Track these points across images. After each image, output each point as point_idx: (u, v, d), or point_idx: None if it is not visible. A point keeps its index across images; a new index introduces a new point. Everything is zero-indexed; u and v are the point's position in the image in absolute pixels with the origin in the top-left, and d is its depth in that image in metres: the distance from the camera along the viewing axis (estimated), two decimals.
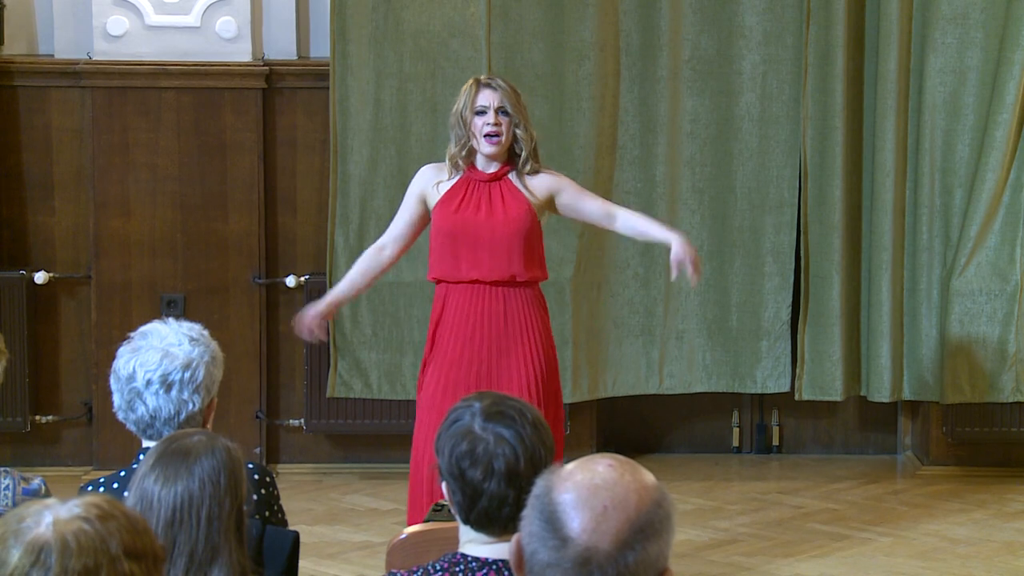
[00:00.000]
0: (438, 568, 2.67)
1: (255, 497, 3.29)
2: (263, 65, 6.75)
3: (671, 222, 6.79)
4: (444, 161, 5.15)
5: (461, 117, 5.01)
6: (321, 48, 6.82)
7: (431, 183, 5.09)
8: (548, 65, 6.71)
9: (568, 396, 6.73)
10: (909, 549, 6.03)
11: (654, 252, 6.80)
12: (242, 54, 6.74)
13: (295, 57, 6.85)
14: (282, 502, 3.45)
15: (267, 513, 3.34)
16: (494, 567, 2.65)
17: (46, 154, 6.79)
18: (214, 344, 3.41)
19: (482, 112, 4.99)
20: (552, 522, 2.00)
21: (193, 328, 3.40)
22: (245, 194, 6.78)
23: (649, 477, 2.06)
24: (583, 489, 2.01)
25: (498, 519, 2.64)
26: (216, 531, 2.73)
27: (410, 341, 6.78)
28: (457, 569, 2.66)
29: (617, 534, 1.99)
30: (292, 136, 6.83)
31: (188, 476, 2.73)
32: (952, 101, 6.71)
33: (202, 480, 2.73)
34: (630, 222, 5.15)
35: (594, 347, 6.81)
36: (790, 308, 6.84)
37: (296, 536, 3.23)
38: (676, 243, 5.02)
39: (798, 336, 6.80)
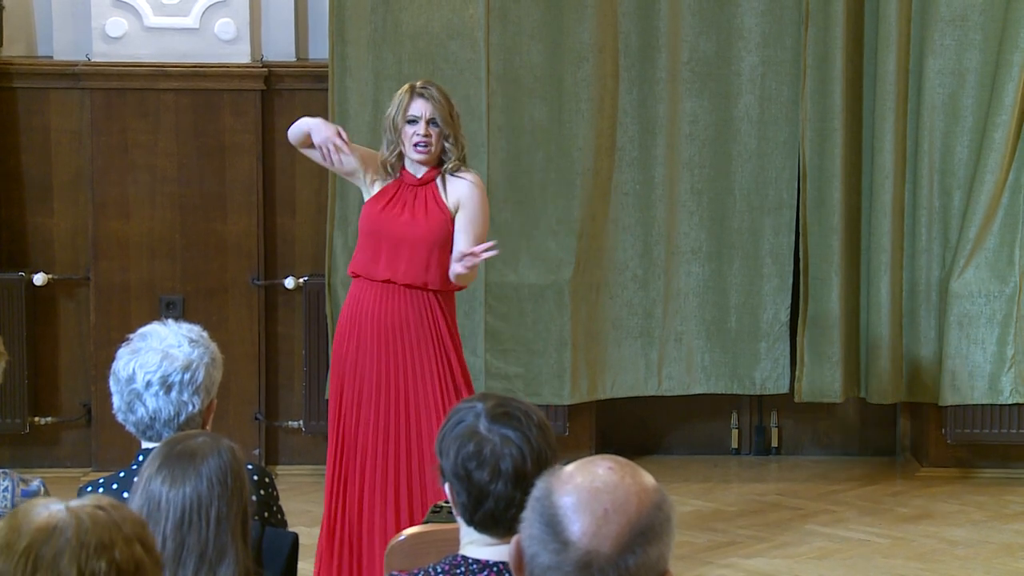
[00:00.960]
0: (439, 570, 2.67)
1: (254, 498, 3.29)
2: (262, 67, 6.75)
3: (669, 223, 6.82)
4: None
5: (393, 123, 5.06)
6: (320, 50, 6.82)
7: (373, 170, 5.12)
8: (547, 67, 6.71)
9: (567, 398, 6.73)
10: (908, 551, 6.03)
11: (653, 254, 6.80)
12: (241, 56, 6.74)
13: (294, 59, 6.85)
14: (281, 503, 3.45)
15: (266, 514, 3.34)
16: (495, 569, 2.65)
17: (45, 155, 6.79)
18: (213, 345, 3.41)
19: (413, 121, 5.04)
20: (553, 525, 2.00)
21: (192, 329, 3.40)
22: (244, 195, 6.78)
23: (649, 479, 2.06)
24: (584, 492, 2.01)
25: (503, 520, 2.63)
26: (224, 531, 2.73)
27: None
28: (458, 571, 2.66)
29: (618, 537, 1.99)
30: None
31: (196, 477, 2.73)
32: (951, 103, 6.72)
33: (210, 480, 2.73)
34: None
35: (593, 349, 6.81)
36: (789, 310, 6.84)
37: (295, 537, 3.23)
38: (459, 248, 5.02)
39: (797, 338, 6.80)
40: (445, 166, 5.08)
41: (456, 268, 4.98)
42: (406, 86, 5.15)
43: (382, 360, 5.04)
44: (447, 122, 5.05)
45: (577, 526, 1.99)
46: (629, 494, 2.02)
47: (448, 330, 5.08)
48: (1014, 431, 6.81)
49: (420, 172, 5.09)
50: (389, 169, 5.09)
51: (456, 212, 5.07)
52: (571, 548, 1.99)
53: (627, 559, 1.98)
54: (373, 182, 5.13)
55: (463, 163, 5.12)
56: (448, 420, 2.70)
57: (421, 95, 5.05)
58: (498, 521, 2.64)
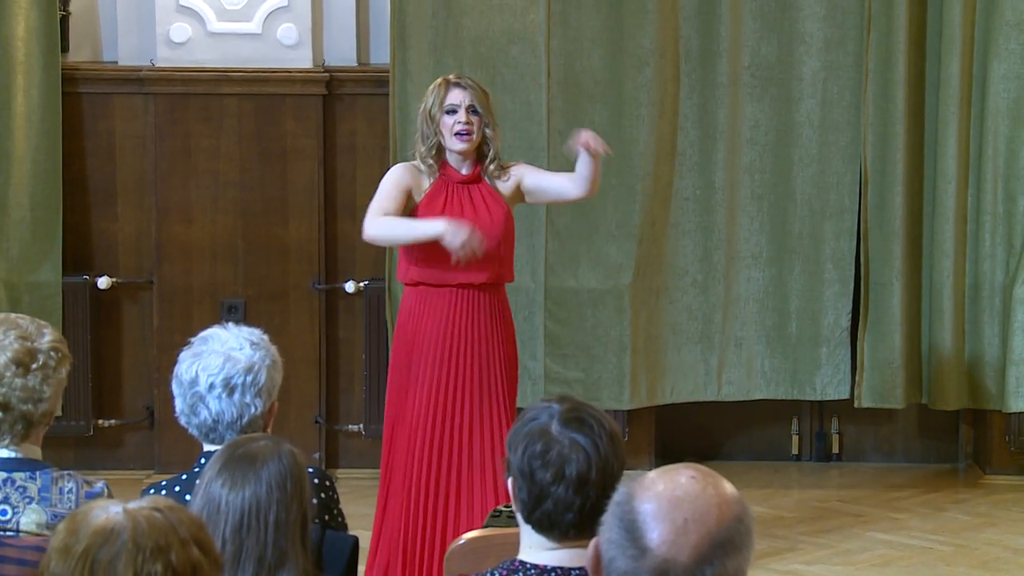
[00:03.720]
0: (496, 575, 2.67)
1: (314, 501, 3.31)
2: (323, 72, 6.79)
3: (730, 228, 6.79)
4: (412, 161, 5.11)
5: (429, 115, 5.00)
6: (381, 55, 6.84)
7: (410, 182, 5.03)
8: (607, 71, 6.71)
9: (627, 403, 6.72)
10: (970, 559, 5.98)
11: (713, 258, 6.78)
12: (303, 61, 6.77)
13: (355, 64, 6.88)
14: (341, 506, 3.47)
15: (327, 517, 3.36)
16: (553, 575, 2.65)
17: (109, 160, 6.85)
18: (274, 348, 3.43)
19: (452, 111, 4.99)
20: (632, 531, 2.01)
21: (253, 333, 3.42)
22: (305, 200, 6.81)
23: (731, 490, 2.06)
24: (664, 500, 2.01)
25: (559, 524, 2.63)
26: (283, 536, 2.74)
27: None
28: None
29: (696, 548, 1.99)
30: (352, 142, 6.86)
31: (256, 481, 2.74)
32: (1015, 107, 6.66)
33: (269, 485, 2.75)
34: (576, 173, 5.06)
35: (652, 354, 6.79)
36: (850, 315, 6.80)
37: (355, 541, 3.24)
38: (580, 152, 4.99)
39: (858, 343, 6.77)
40: (489, 166, 5.03)
41: (586, 152, 4.88)
42: (439, 80, 5.11)
43: (461, 363, 4.99)
44: (487, 109, 5.02)
45: (656, 534, 2.00)
46: (710, 505, 2.02)
47: (510, 324, 5.09)
48: None
49: (463, 167, 5.04)
50: (426, 166, 5.03)
51: (518, 188, 5.06)
52: (648, 555, 1.99)
53: (704, 570, 1.99)
54: (412, 191, 5.03)
55: (499, 156, 5.05)
56: (522, 417, 2.71)
57: (458, 84, 5.02)
58: (554, 524, 2.64)
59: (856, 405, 6.81)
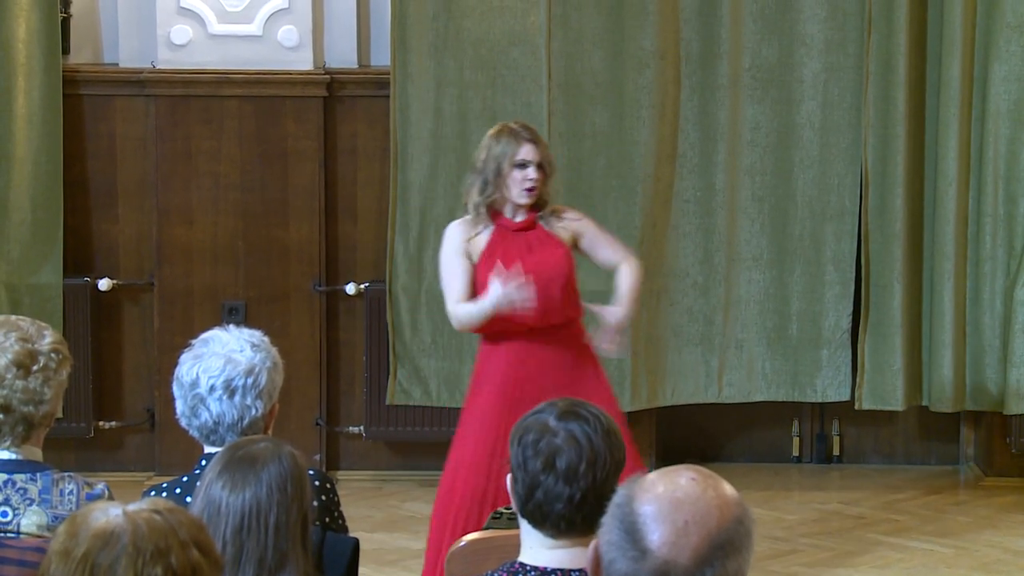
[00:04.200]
0: None
1: (315, 503, 3.31)
2: (324, 74, 6.79)
3: (730, 230, 6.79)
4: (464, 215, 5.09)
5: (498, 168, 4.98)
6: (382, 57, 6.84)
7: (465, 239, 5.03)
8: (608, 73, 6.71)
9: (627, 404, 6.72)
10: (971, 561, 5.98)
11: (713, 260, 6.79)
12: (303, 63, 6.78)
13: (356, 66, 6.88)
14: (342, 508, 3.47)
15: (327, 519, 3.36)
16: (553, 575, 2.65)
17: (110, 162, 6.86)
18: (275, 350, 3.43)
19: (523, 166, 4.99)
20: (632, 533, 2.01)
21: (254, 335, 3.42)
22: (306, 202, 6.81)
23: (732, 492, 2.06)
24: (665, 502, 2.02)
25: (550, 515, 2.65)
26: (284, 538, 2.74)
27: (469, 349, 6.78)
28: None
29: (696, 550, 2.00)
30: (353, 144, 6.86)
31: (256, 483, 2.75)
32: (1016, 109, 6.66)
33: (270, 487, 2.75)
34: (620, 279, 5.14)
35: (653, 356, 6.79)
36: (851, 317, 6.80)
37: (356, 543, 3.24)
38: (612, 316, 5.04)
39: (858, 345, 6.77)
40: (542, 213, 5.05)
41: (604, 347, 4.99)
42: (502, 129, 5.06)
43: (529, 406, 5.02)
44: (550, 164, 5.06)
45: (656, 535, 2.00)
46: (711, 507, 2.03)
47: (592, 359, 5.09)
48: None
49: (520, 216, 5.04)
50: (477, 215, 5.01)
51: (574, 242, 5.09)
52: (649, 557, 2.00)
53: (704, 572, 2.00)
54: (471, 253, 5.03)
55: (548, 201, 5.07)
56: (527, 413, 2.74)
57: (528, 140, 5.01)
58: (546, 516, 2.65)
59: (857, 407, 6.81)
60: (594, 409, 2.71)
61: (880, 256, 6.74)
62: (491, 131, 5.11)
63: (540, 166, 4.99)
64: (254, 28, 6.77)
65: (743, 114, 6.72)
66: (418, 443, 6.92)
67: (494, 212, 5.05)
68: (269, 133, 6.78)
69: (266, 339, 3.44)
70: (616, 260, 5.15)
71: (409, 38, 6.69)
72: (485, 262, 5.00)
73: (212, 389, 3.32)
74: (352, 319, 6.91)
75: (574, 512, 2.63)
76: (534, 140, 5.02)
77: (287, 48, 6.77)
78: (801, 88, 6.73)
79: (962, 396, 6.79)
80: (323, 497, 3.35)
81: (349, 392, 6.92)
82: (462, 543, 3.36)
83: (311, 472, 3.34)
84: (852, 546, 6.14)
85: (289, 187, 6.81)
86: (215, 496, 2.75)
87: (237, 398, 3.32)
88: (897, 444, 7.15)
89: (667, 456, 6.86)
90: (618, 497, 2.05)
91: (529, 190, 4.99)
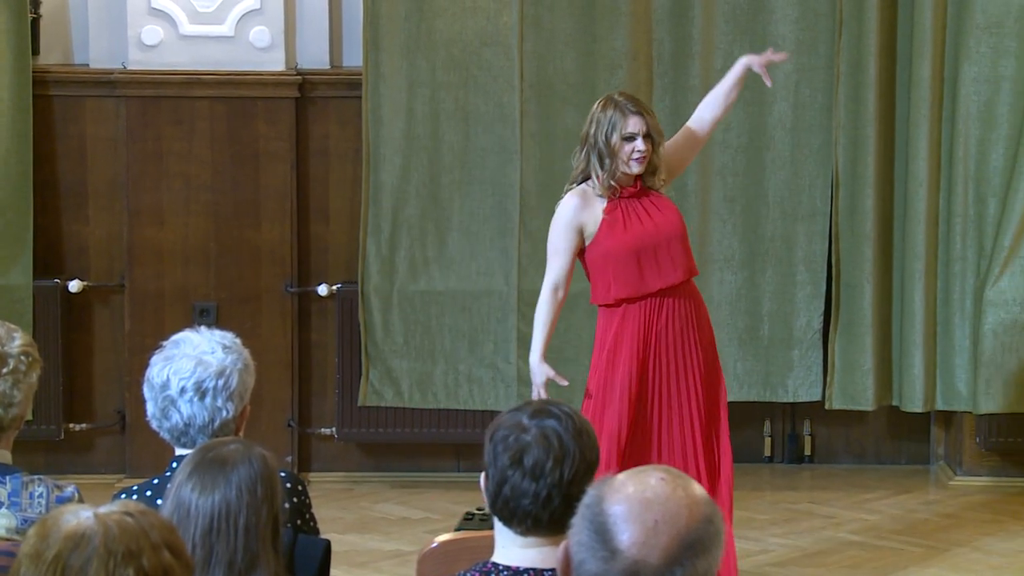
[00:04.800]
0: None
1: (286, 505, 3.30)
2: (296, 74, 6.78)
3: (702, 231, 6.81)
4: (578, 187, 5.17)
5: (608, 143, 5.09)
6: (354, 57, 6.84)
7: (583, 211, 5.15)
8: (580, 74, 6.72)
9: None
10: (942, 560, 6.00)
11: None
12: (275, 63, 6.76)
13: (328, 66, 6.87)
14: (314, 510, 3.46)
15: (299, 521, 3.35)
16: (526, 575, 2.65)
17: (81, 163, 6.83)
18: (246, 352, 3.42)
19: (631, 138, 5.10)
20: (602, 533, 2.02)
21: (225, 336, 3.42)
22: (278, 203, 6.80)
23: (701, 492, 2.07)
24: (634, 502, 2.03)
25: (517, 511, 2.65)
26: (254, 540, 2.74)
27: (441, 350, 6.79)
28: None
29: (666, 549, 2.00)
30: (325, 145, 6.86)
31: (225, 485, 2.74)
32: (986, 110, 6.69)
33: (239, 489, 2.74)
34: (709, 100, 5.37)
35: None
36: (822, 317, 6.82)
37: (327, 544, 3.24)
38: (744, 61, 5.33)
39: (829, 345, 6.79)
40: (654, 179, 5.17)
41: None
42: (607, 102, 5.16)
43: (681, 371, 5.13)
44: (659, 133, 5.19)
45: (626, 535, 2.01)
46: (680, 506, 2.03)
47: (709, 325, 5.26)
48: None
49: (631, 182, 5.16)
50: (606, 190, 5.11)
51: (671, 172, 5.29)
52: (619, 557, 2.00)
53: (675, 571, 2.00)
54: (585, 224, 5.14)
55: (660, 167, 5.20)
56: (503, 412, 2.76)
57: (635, 112, 5.13)
58: (513, 512, 2.66)
59: (828, 407, 6.83)
60: (567, 408, 2.72)
61: (851, 256, 6.77)
62: (597, 105, 5.20)
63: (648, 136, 5.12)
64: (225, 29, 6.75)
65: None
66: (390, 444, 6.92)
67: (611, 187, 5.15)
68: (241, 134, 6.77)
69: (237, 340, 3.43)
70: (696, 116, 5.39)
71: (381, 39, 6.69)
72: (610, 228, 5.12)
73: (183, 391, 3.31)
74: (324, 320, 6.90)
75: (540, 509, 2.64)
76: (640, 112, 5.15)
77: (259, 49, 6.75)
78: (772, 89, 6.73)
79: (932, 396, 6.81)
80: (294, 499, 3.35)
81: (321, 393, 6.91)
82: (434, 544, 3.35)
83: (282, 474, 3.34)
84: (823, 546, 6.16)
85: (261, 188, 6.79)
86: (184, 498, 2.74)
87: (208, 400, 3.31)
88: (868, 444, 7.17)
89: None
90: (587, 498, 2.05)
91: (639, 160, 5.12)
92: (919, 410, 6.83)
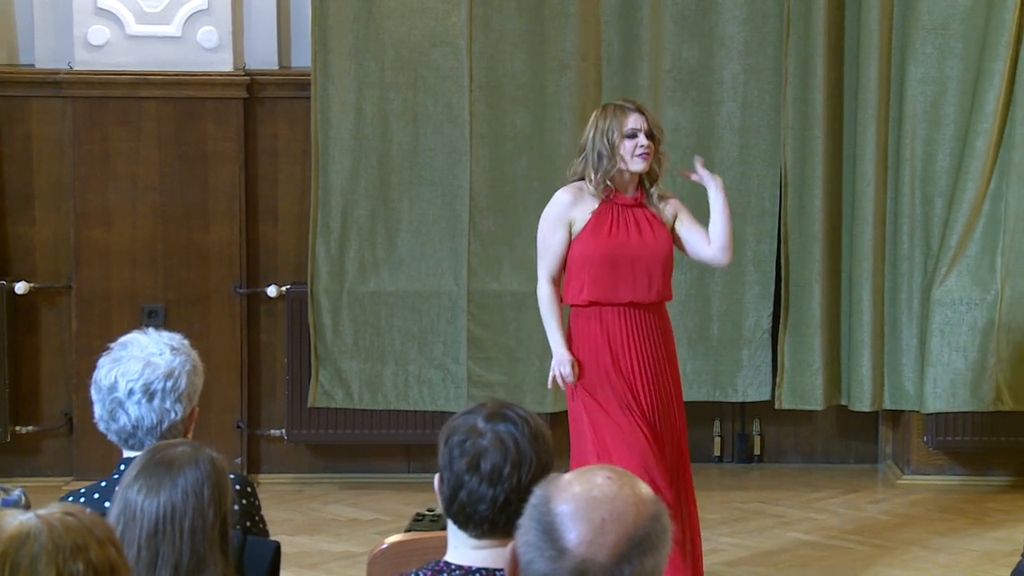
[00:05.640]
0: (421, 575, 2.67)
1: (236, 507, 3.29)
2: (244, 75, 6.75)
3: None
4: (573, 183, 5.18)
5: (608, 141, 5.10)
6: (302, 58, 6.81)
7: (573, 207, 5.16)
8: (529, 75, 6.72)
9: (550, 405, 6.74)
10: (890, 558, 6.04)
11: None
12: (223, 64, 6.73)
13: (276, 67, 6.85)
14: (263, 512, 3.45)
15: (248, 523, 3.34)
16: (478, 575, 2.65)
17: (27, 164, 6.78)
18: (194, 353, 3.40)
19: (632, 135, 5.11)
20: (549, 533, 2.02)
21: (173, 338, 3.40)
22: (226, 204, 6.77)
23: (647, 491, 2.08)
24: (582, 501, 2.03)
25: (473, 516, 2.65)
26: (200, 542, 2.72)
27: (391, 351, 6.77)
28: None
29: (614, 547, 2.01)
30: (273, 146, 6.83)
31: (171, 487, 2.73)
32: (932, 111, 6.74)
33: (185, 491, 2.73)
34: (711, 227, 5.29)
35: None
36: (771, 317, 6.85)
37: (277, 546, 3.22)
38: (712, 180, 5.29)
39: (778, 345, 6.82)
40: (652, 192, 5.18)
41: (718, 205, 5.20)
42: (605, 107, 5.21)
43: (643, 376, 5.13)
44: (660, 130, 5.21)
45: (574, 534, 2.01)
46: (627, 504, 2.03)
47: (673, 343, 5.26)
48: (995, 438, 6.82)
49: (630, 190, 5.16)
50: (599, 190, 5.11)
51: (673, 222, 5.22)
52: (567, 556, 2.00)
53: (623, 569, 2.01)
54: (574, 220, 5.15)
55: (659, 180, 5.21)
56: (455, 414, 2.74)
57: (635, 110, 5.16)
58: (469, 517, 2.65)
59: (777, 406, 6.86)
60: (523, 411, 2.72)
61: (799, 256, 6.80)
62: (596, 112, 5.24)
63: (649, 134, 5.12)
64: (173, 29, 6.71)
65: (664, 115, 6.75)
66: (340, 446, 6.90)
67: (606, 187, 5.15)
68: (188, 135, 6.73)
69: (186, 342, 3.41)
70: (704, 239, 5.26)
71: (330, 39, 6.67)
72: (593, 230, 5.12)
73: (131, 393, 3.29)
74: (273, 321, 6.87)
75: (497, 514, 2.63)
76: (640, 110, 5.18)
77: (206, 49, 6.72)
78: (721, 90, 6.77)
79: (880, 395, 6.86)
80: (244, 501, 3.33)
81: (270, 395, 6.89)
82: (384, 545, 3.35)
83: (232, 476, 3.32)
84: (772, 545, 6.19)
85: (209, 189, 6.76)
86: (131, 500, 2.73)
87: (156, 402, 3.29)
88: (817, 443, 7.21)
89: None
90: (535, 498, 2.05)
91: (643, 155, 5.11)
92: (867, 409, 6.87)
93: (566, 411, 6.81)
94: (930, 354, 6.74)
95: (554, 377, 5.19)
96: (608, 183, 5.13)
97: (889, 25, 6.71)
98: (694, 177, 5.34)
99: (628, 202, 5.16)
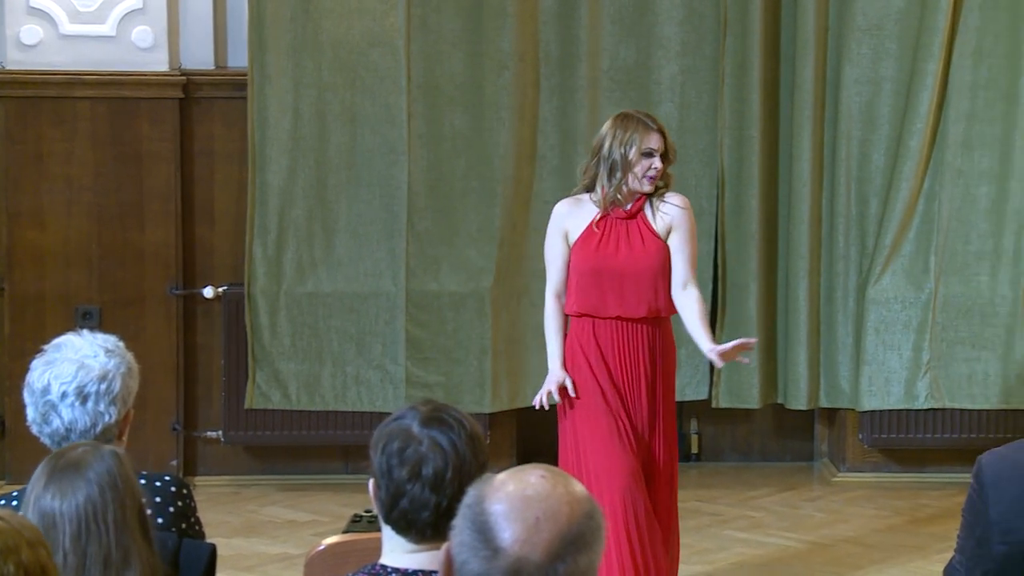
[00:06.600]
0: None
1: (171, 509, 3.27)
2: (180, 75, 6.71)
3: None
4: (577, 194, 5.13)
5: (625, 156, 5.02)
6: (239, 58, 6.78)
7: (569, 218, 5.11)
8: (467, 75, 6.72)
9: (488, 406, 6.74)
10: (825, 555, 6.08)
11: None
12: (159, 64, 6.69)
13: (213, 67, 6.81)
14: (199, 514, 3.43)
15: (184, 525, 3.32)
16: None
17: None
18: (130, 355, 3.38)
19: (649, 154, 5.05)
20: (484, 532, 2.02)
21: (108, 340, 3.37)
22: (162, 205, 6.73)
23: (580, 489, 2.08)
24: (515, 500, 2.03)
25: (416, 522, 2.64)
26: (124, 533, 2.71)
27: (329, 352, 6.75)
28: None
29: (549, 545, 2.01)
30: (210, 146, 6.79)
31: (85, 485, 2.71)
32: (867, 111, 6.79)
33: (100, 486, 2.72)
34: (686, 310, 5.13)
35: (514, 356, 6.81)
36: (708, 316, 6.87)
37: (213, 548, 3.21)
38: (712, 355, 5.07)
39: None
40: (652, 198, 5.10)
41: (715, 360, 5.04)
42: (628, 116, 5.10)
43: (633, 389, 5.07)
44: (674, 153, 5.15)
45: (508, 533, 2.01)
46: (561, 503, 2.04)
47: (673, 357, 5.17)
48: (929, 436, 6.88)
49: (629, 203, 5.08)
50: (607, 202, 5.03)
51: (668, 235, 5.10)
52: (501, 555, 2.01)
53: (557, 567, 2.01)
54: (570, 230, 5.10)
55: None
56: (387, 419, 2.72)
57: (656, 130, 5.08)
58: (411, 523, 2.64)
59: (714, 405, 6.89)
60: (456, 413, 2.70)
61: (736, 256, 6.83)
62: (614, 117, 5.14)
63: (664, 156, 5.07)
64: (107, 28, 6.66)
65: (602, 115, 6.75)
66: (277, 447, 6.87)
67: (615, 201, 5.08)
68: (123, 135, 6.69)
69: (121, 344, 3.39)
70: (679, 279, 5.11)
71: (267, 39, 6.64)
72: (583, 243, 5.07)
73: (64, 395, 3.26)
74: (210, 322, 6.84)
75: (440, 519, 2.62)
76: (661, 130, 5.11)
77: (141, 49, 6.68)
78: (659, 90, 6.80)
79: (816, 393, 6.90)
80: (180, 503, 3.31)
81: (207, 396, 6.85)
82: (321, 547, 3.34)
83: (167, 478, 3.31)
84: (709, 543, 6.21)
85: (144, 189, 6.72)
86: (47, 507, 2.70)
87: (90, 404, 3.27)
88: (753, 442, 7.25)
89: (528, 457, 6.88)
90: (468, 498, 2.05)
91: (652, 178, 5.06)
92: (803, 408, 6.91)
93: (507, 411, 6.85)
94: (865, 352, 6.79)
95: (541, 396, 5.10)
96: (619, 196, 5.04)
97: (825, 26, 6.76)
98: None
99: (624, 215, 5.08)
